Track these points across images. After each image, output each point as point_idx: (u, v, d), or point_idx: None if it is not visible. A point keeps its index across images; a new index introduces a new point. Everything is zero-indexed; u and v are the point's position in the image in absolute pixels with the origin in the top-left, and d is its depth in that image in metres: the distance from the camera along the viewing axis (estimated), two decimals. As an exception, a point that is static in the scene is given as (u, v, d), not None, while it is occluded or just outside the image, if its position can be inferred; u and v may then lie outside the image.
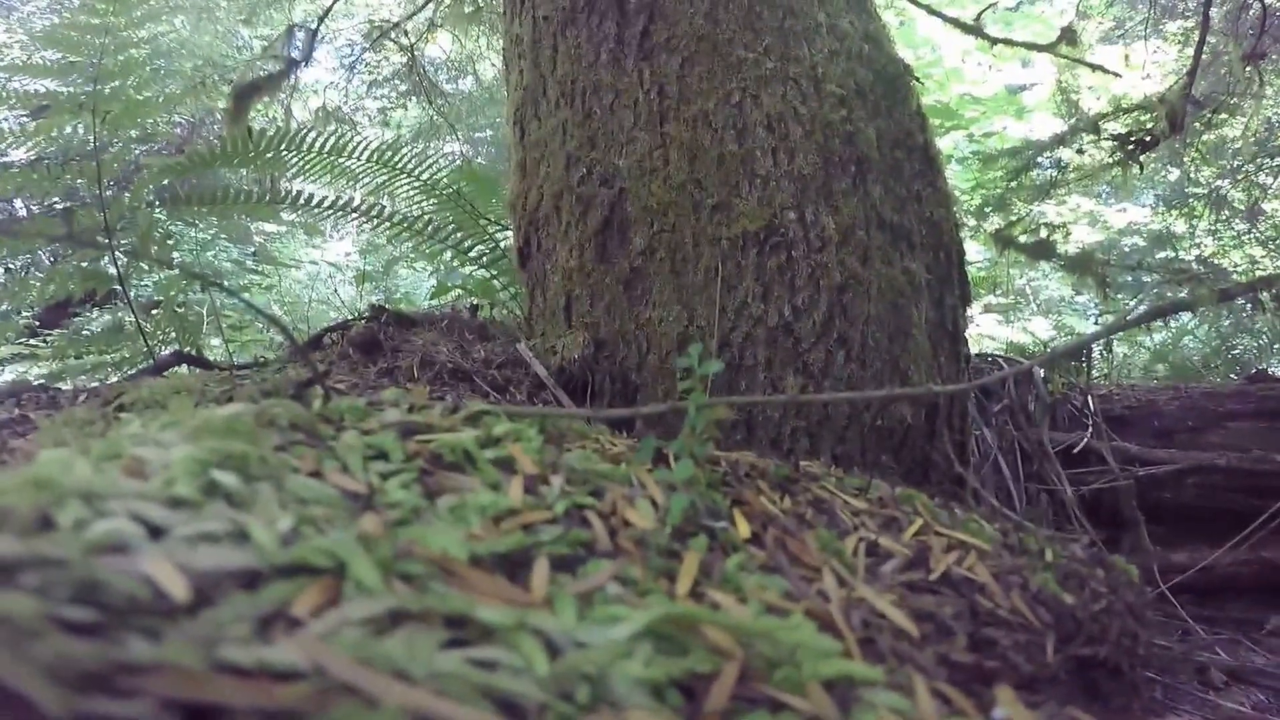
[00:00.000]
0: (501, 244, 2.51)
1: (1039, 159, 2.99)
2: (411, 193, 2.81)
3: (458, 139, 5.78)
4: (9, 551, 0.28)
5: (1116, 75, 3.15)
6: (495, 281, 2.56)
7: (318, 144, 2.53)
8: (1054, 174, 3.00)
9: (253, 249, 4.22)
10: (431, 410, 0.74)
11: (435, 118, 5.48)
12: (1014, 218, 2.89)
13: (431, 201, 2.79)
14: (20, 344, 2.05)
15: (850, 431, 1.36)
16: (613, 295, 1.69)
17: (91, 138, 2.16)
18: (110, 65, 2.18)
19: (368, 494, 0.51)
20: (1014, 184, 2.93)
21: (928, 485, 1.14)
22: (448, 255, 3.41)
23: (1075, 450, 1.60)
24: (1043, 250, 2.56)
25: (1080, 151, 2.90)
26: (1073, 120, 3.13)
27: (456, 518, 0.49)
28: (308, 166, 2.67)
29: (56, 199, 2.74)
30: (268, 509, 0.43)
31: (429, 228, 2.67)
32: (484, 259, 2.53)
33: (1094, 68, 3.01)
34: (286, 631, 0.31)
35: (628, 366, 1.65)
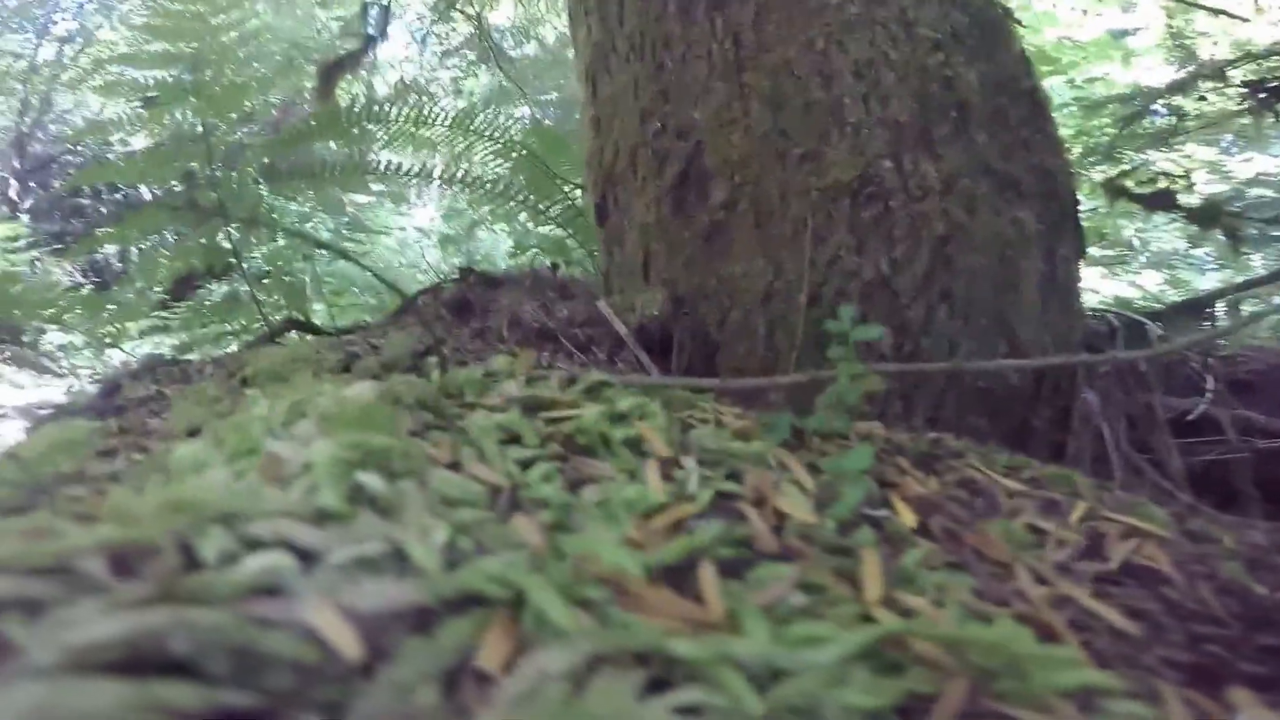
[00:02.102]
0: (575, 202, 2.43)
1: (1152, 106, 2.70)
2: (487, 157, 2.74)
3: (526, 103, 5.65)
4: (160, 623, 0.23)
5: (1244, 20, 2.81)
6: (571, 240, 2.49)
7: (399, 115, 2.47)
8: (1173, 121, 2.71)
9: (346, 219, 4.24)
10: (549, 382, 0.68)
11: (504, 83, 5.37)
12: (1125, 166, 2.63)
13: (506, 164, 2.72)
14: (154, 317, 2.10)
15: (948, 394, 1.25)
16: (692, 250, 1.59)
17: (198, 122, 2.15)
18: (206, 52, 2.15)
19: (511, 489, 0.44)
20: (1125, 132, 2.67)
21: (1024, 453, 1.03)
22: (523, 216, 3.36)
23: (1190, 418, 1.44)
24: (1162, 200, 2.33)
25: (1202, 99, 2.61)
26: (1191, 66, 2.82)
27: (607, 516, 0.43)
28: (392, 137, 2.62)
29: (174, 182, 2.77)
30: (419, 517, 0.37)
31: (505, 190, 2.60)
32: (559, 218, 2.45)
33: (1216, 12, 2.68)
34: (478, 692, 0.25)
35: (708, 323, 1.57)
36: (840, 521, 0.48)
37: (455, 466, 0.46)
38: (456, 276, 1.76)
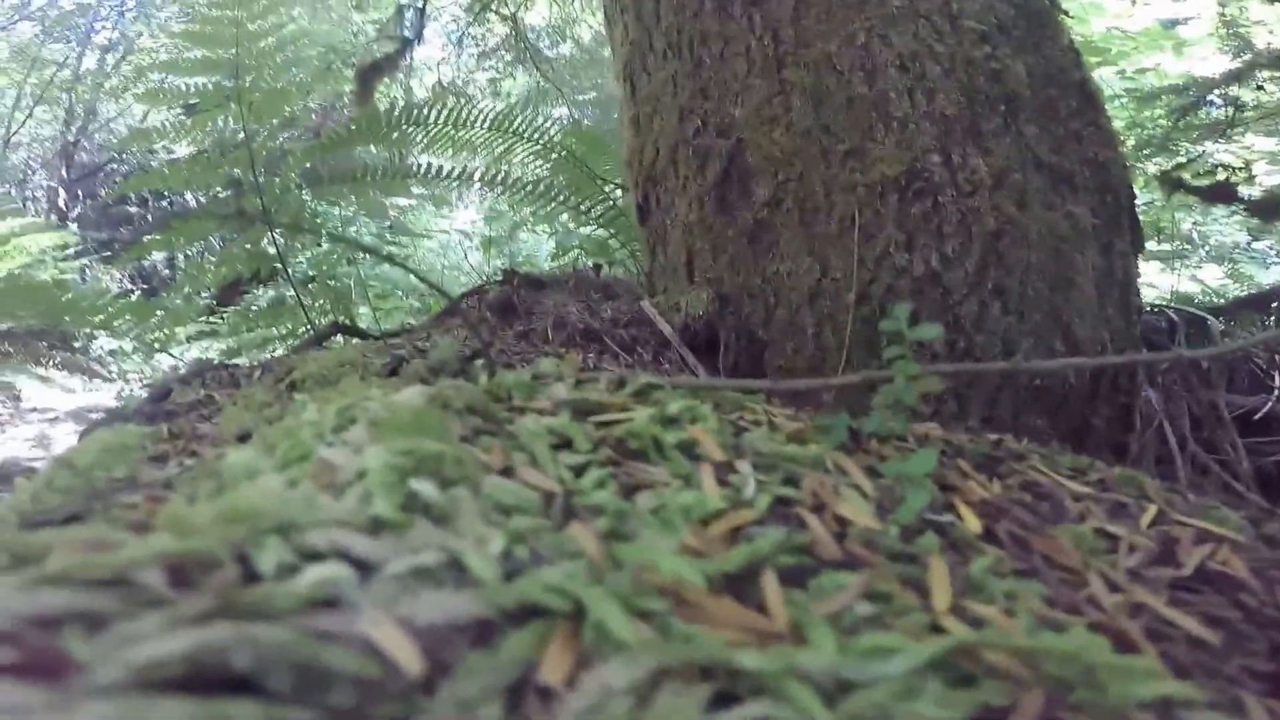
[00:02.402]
0: (616, 203, 2.43)
1: (1208, 97, 2.60)
2: (527, 158, 2.76)
3: (564, 103, 5.69)
4: (222, 638, 0.23)
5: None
6: (613, 240, 2.49)
7: (438, 118, 2.50)
8: (1230, 112, 2.60)
9: (388, 223, 4.31)
10: (597, 384, 0.68)
11: (541, 84, 5.41)
12: (1181, 159, 2.54)
13: (546, 165, 2.74)
14: (202, 322, 2.16)
15: (1003, 393, 1.22)
16: (736, 249, 1.58)
17: (240, 128, 2.20)
18: (245, 59, 2.20)
19: (564, 495, 0.44)
20: (1180, 124, 2.57)
21: (1084, 453, 1.00)
22: (564, 217, 3.37)
23: (1257, 416, 1.38)
24: (1222, 193, 2.24)
25: (1259, 89, 2.50)
26: (1248, 56, 2.70)
27: (663, 524, 0.42)
28: (432, 140, 2.65)
29: (218, 188, 2.85)
30: (474, 526, 0.37)
31: (545, 191, 2.62)
32: (601, 219, 2.46)
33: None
34: (542, 708, 0.25)
35: (754, 322, 1.55)
36: (903, 527, 0.46)
37: (507, 472, 0.46)
38: (500, 279, 1.77)
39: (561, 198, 2.63)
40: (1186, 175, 2.39)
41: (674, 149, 1.68)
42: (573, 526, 0.40)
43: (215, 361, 1.50)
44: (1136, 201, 1.52)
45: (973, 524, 0.51)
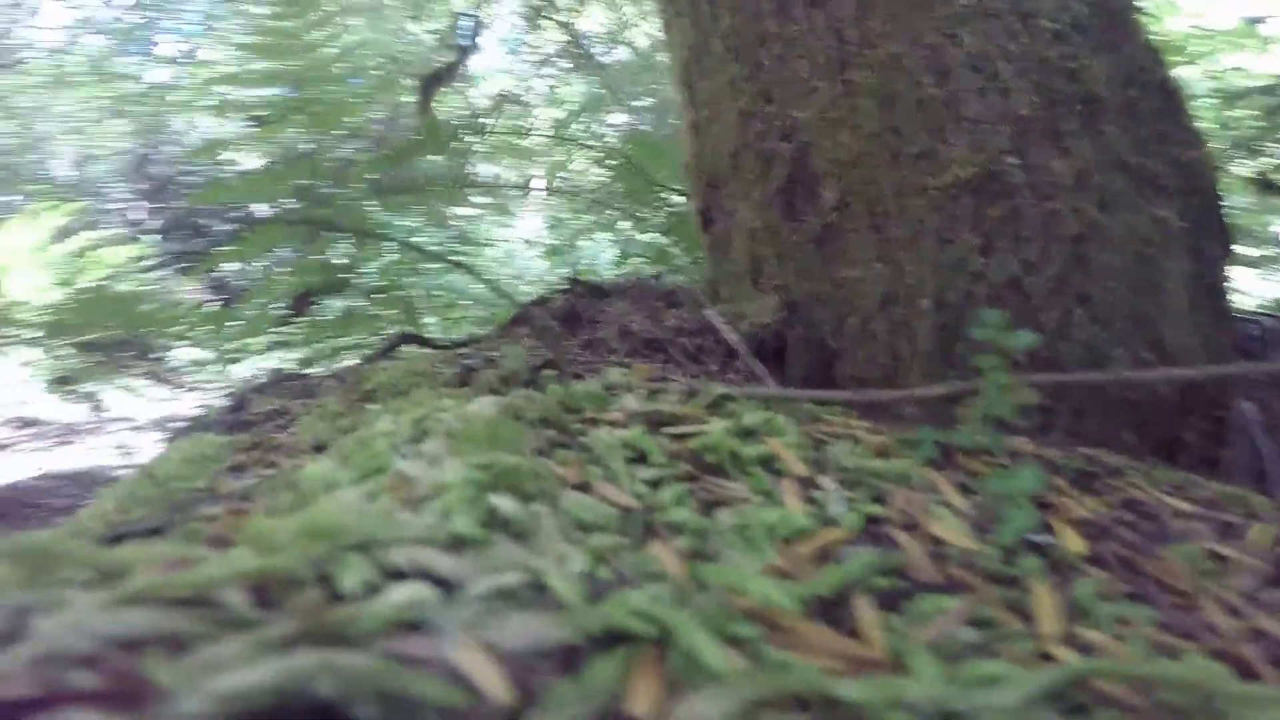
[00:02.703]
0: (678, 209, 2.43)
1: None
2: (586, 165, 2.78)
3: (622, 109, 5.72)
4: (308, 666, 0.22)
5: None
6: (674, 247, 2.49)
7: (498, 127, 2.54)
8: None
9: (452, 232, 4.40)
10: (669, 395, 0.67)
11: (597, 90, 5.45)
12: (1272, 160, 2.40)
13: (605, 172, 2.75)
14: (275, 333, 2.24)
15: (1090, 404, 1.16)
16: (804, 255, 1.55)
17: (306, 139, 2.27)
18: (307, 70, 2.26)
19: (643, 511, 0.43)
20: (1270, 124, 2.43)
21: (1175, 467, 0.94)
22: (625, 224, 3.38)
23: None
24: None
25: None
26: None
27: (747, 543, 0.41)
28: (493, 150, 2.69)
29: (286, 200, 2.97)
30: (554, 543, 0.37)
31: (606, 198, 2.63)
32: (662, 225, 2.46)
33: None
34: (634, 741, 0.24)
35: (824, 330, 1.52)
36: (1003, 548, 0.44)
37: (584, 487, 0.46)
38: (564, 287, 1.79)
39: (621, 204, 2.64)
40: (1278, 177, 2.25)
41: (735, 154, 1.67)
42: (653, 545, 0.39)
43: (290, 371, 1.55)
44: (1224, 204, 1.44)
45: (1074, 544, 0.48)
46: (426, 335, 1.67)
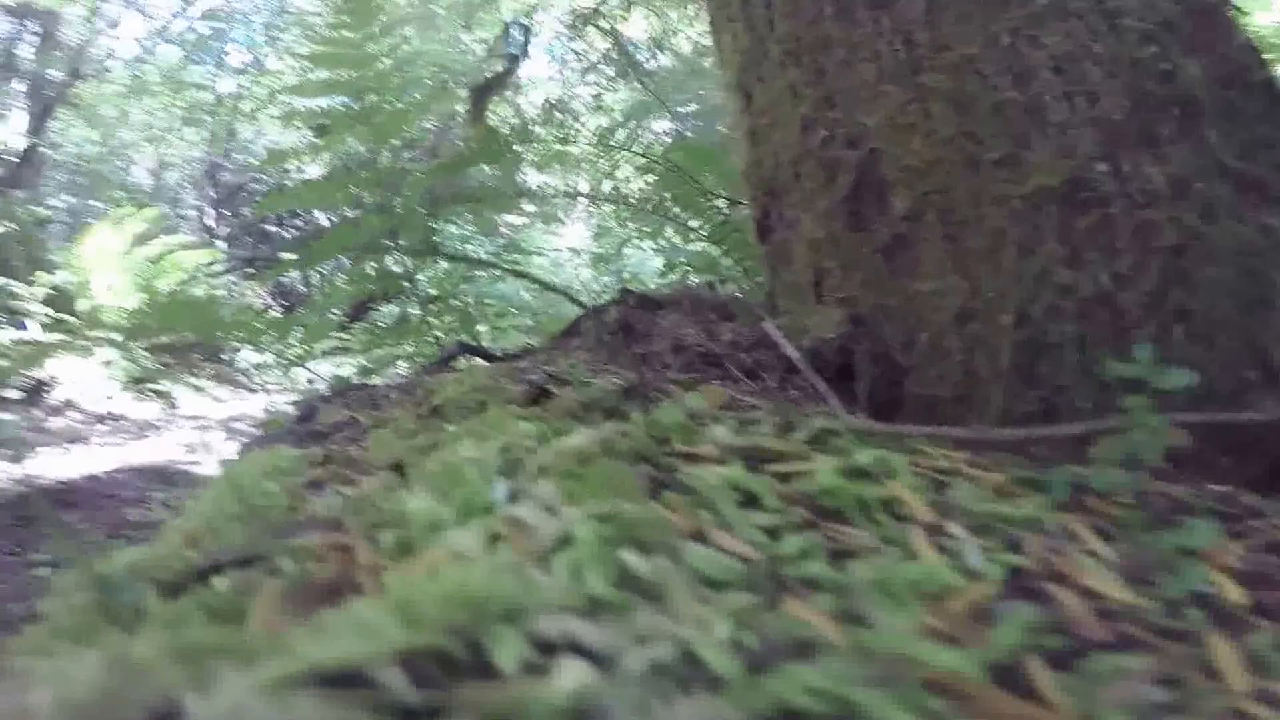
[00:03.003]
0: (729, 217, 2.38)
1: None
2: (632, 173, 2.75)
3: (669, 116, 5.69)
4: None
5: None
6: (724, 257, 2.44)
7: (547, 135, 2.53)
8: None
9: (502, 240, 4.42)
10: (761, 427, 0.63)
11: (643, 97, 5.43)
12: None
13: (652, 179, 2.72)
14: (335, 338, 2.26)
15: (1189, 429, 1.09)
16: (871, 266, 1.50)
17: (365, 149, 2.28)
18: (365, 80, 2.27)
19: (769, 564, 0.40)
20: None
21: (1275, 496, 0.87)
22: (669, 232, 3.34)
23: None
24: None
25: None
26: None
27: (893, 600, 0.37)
28: (543, 159, 2.68)
29: (346, 209, 3.01)
30: (688, 605, 0.33)
31: (655, 205, 2.60)
32: (711, 234, 2.42)
33: None
34: None
35: (892, 346, 1.46)
36: (1165, 601, 0.40)
37: (700, 537, 0.42)
38: (616, 298, 1.76)
39: (669, 212, 2.60)
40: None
41: (797, 161, 1.62)
42: (790, 604, 0.35)
43: (353, 380, 1.55)
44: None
45: (1234, 593, 0.43)
46: (483, 346, 1.66)
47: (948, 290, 1.41)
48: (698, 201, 2.57)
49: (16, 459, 3.36)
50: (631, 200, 2.70)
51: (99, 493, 2.96)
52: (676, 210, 2.64)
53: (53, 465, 3.31)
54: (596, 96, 6.76)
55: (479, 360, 1.66)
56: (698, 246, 4.36)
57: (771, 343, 1.58)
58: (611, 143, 2.73)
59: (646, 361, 1.39)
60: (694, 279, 4.48)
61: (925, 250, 1.45)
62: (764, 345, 1.55)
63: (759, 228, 1.79)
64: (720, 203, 2.59)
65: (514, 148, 2.59)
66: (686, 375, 1.36)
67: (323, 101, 2.42)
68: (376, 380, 1.85)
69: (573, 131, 2.61)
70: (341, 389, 1.37)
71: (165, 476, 3.25)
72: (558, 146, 2.63)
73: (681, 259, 4.03)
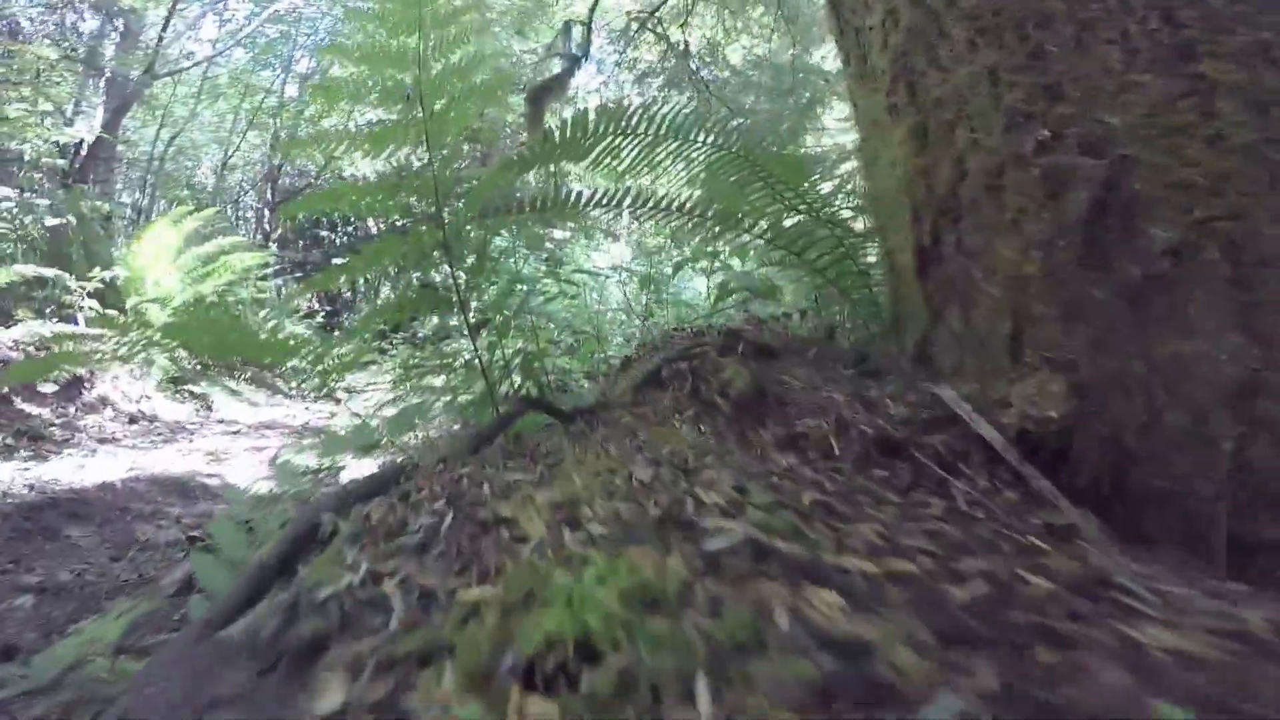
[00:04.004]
0: (842, 241, 1.86)
1: None
2: (681, 187, 2.25)
3: (716, 129, 5.15)
4: None
5: None
6: (832, 286, 1.92)
7: (608, 128, 2.04)
8: None
9: (545, 254, 3.96)
10: None
11: (697, 107, 4.94)
12: None
13: (706, 193, 2.21)
14: (375, 348, 1.80)
15: None
16: (1107, 318, 0.98)
17: (418, 156, 1.85)
18: (421, 86, 1.86)
19: None
20: None
21: None
22: (727, 253, 2.82)
23: None
24: None
25: None
26: None
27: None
28: (588, 170, 2.19)
29: (397, 217, 2.58)
30: None
31: (707, 222, 2.10)
32: (819, 259, 1.89)
33: None
34: None
35: (1124, 428, 0.95)
36: None
37: None
38: (722, 340, 1.25)
39: (729, 229, 2.10)
40: None
41: (995, 170, 1.11)
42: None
43: (383, 461, 1.09)
44: None
45: None
46: (549, 401, 1.16)
47: (1226, 353, 0.90)
48: (767, 216, 2.06)
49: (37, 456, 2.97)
50: (693, 212, 2.18)
51: (112, 504, 2.54)
52: (747, 225, 2.12)
53: (72, 469, 2.90)
54: (647, 106, 6.25)
55: (543, 413, 1.16)
56: (754, 268, 3.83)
57: (950, 416, 1.06)
58: (664, 154, 2.21)
59: (796, 446, 0.88)
60: (750, 306, 3.94)
61: (1197, 297, 0.94)
62: (945, 422, 1.04)
63: (918, 256, 1.28)
64: (812, 218, 2.06)
65: (577, 140, 2.09)
66: (861, 471, 0.85)
67: (380, 112, 2.01)
68: (416, 435, 1.38)
69: (620, 142, 2.11)
70: (360, 492, 0.88)
71: (184, 490, 2.81)
72: (618, 142, 2.13)
73: (744, 284, 3.50)
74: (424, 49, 1.80)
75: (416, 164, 1.83)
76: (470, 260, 1.48)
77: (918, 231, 1.25)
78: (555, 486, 0.71)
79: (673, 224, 2.16)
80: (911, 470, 0.89)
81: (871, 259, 1.84)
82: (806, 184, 2.05)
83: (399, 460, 1.04)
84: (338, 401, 4.60)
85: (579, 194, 1.97)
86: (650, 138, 1.62)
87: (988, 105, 1.13)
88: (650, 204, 1.89)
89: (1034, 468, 0.98)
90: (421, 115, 1.72)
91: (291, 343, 1.80)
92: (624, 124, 1.50)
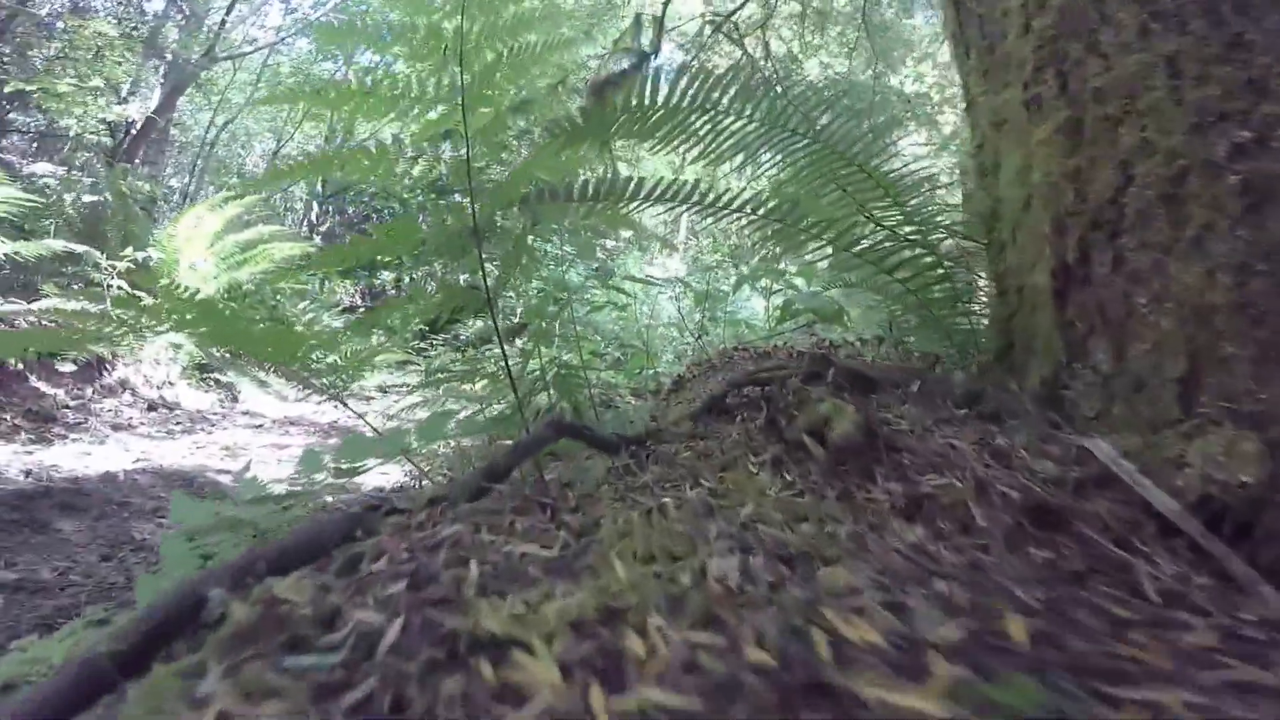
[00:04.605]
0: (942, 260, 1.66)
1: None
2: (794, 179, 2.06)
3: (781, 147, 4.98)
4: None
5: None
6: (917, 310, 1.72)
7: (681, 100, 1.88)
8: None
9: (596, 264, 3.82)
10: None
11: (771, 118, 4.77)
12: None
13: (777, 208, 2.03)
14: (410, 349, 1.67)
15: None
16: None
17: (465, 150, 1.72)
18: (475, 83, 1.74)
19: None
20: None
21: None
22: (792, 272, 2.64)
23: None
24: None
25: None
26: None
27: None
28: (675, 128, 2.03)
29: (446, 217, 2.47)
30: None
31: (770, 240, 1.91)
32: (914, 278, 1.69)
33: None
34: None
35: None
36: None
37: None
38: (809, 365, 1.07)
39: (789, 247, 1.91)
40: None
41: (1174, 176, 0.92)
42: None
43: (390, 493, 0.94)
44: None
45: None
46: (587, 428, 0.99)
47: None
48: (855, 228, 1.87)
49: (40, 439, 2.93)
50: (775, 217, 2.01)
51: (111, 498, 2.45)
52: (834, 236, 1.93)
53: (76, 455, 2.84)
54: (718, 115, 6.12)
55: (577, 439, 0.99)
56: (818, 287, 3.62)
57: (1105, 476, 0.86)
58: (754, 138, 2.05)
59: (921, 513, 0.69)
60: (816, 329, 3.72)
61: None
62: (1100, 484, 0.84)
63: (1059, 275, 1.08)
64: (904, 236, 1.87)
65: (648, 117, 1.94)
66: (1015, 550, 0.66)
67: (441, 108, 1.90)
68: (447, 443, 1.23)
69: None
70: (285, 556, 0.69)
71: (192, 487, 2.72)
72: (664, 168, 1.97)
73: (811, 304, 3.29)
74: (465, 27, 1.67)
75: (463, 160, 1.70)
76: (504, 252, 1.33)
77: (1059, 247, 1.06)
78: (584, 581, 0.50)
79: (745, 230, 1.98)
80: (1080, 549, 0.70)
81: (964, 281, 1.64)
82: (914, 198, 1.86)
83: (387, 490, 0.88)
84: (367, 400, 4.53)
85: (639, 182, 1.77)
86: (744, 119, 1.45)
87: (1165, 100, 0.94)
88: (724, 203, 1.72)
89: (1220, 542, 0.78)
90: (458, 77, 1.57)
91: (294, 337, 1.68)
92: (714, 95, 1.32)
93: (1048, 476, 0.81)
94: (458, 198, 1.35)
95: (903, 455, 0.82)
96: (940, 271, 1.63)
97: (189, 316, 1.54)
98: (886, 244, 1.83)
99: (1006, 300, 1.31)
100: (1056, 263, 1.06)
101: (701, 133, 1.48)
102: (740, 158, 1.89)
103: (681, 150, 1.54)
